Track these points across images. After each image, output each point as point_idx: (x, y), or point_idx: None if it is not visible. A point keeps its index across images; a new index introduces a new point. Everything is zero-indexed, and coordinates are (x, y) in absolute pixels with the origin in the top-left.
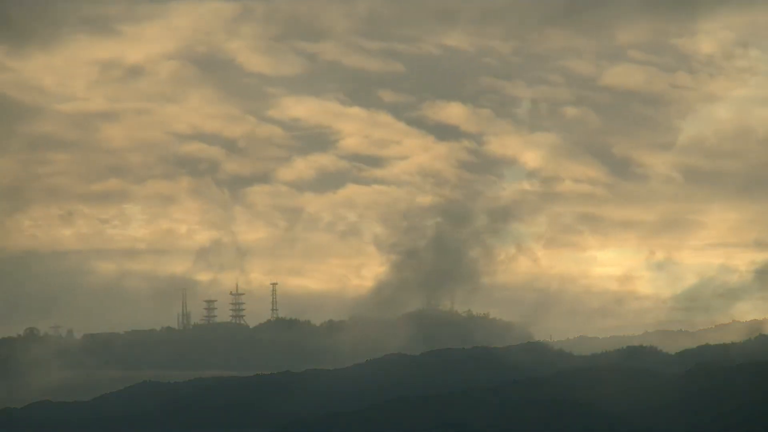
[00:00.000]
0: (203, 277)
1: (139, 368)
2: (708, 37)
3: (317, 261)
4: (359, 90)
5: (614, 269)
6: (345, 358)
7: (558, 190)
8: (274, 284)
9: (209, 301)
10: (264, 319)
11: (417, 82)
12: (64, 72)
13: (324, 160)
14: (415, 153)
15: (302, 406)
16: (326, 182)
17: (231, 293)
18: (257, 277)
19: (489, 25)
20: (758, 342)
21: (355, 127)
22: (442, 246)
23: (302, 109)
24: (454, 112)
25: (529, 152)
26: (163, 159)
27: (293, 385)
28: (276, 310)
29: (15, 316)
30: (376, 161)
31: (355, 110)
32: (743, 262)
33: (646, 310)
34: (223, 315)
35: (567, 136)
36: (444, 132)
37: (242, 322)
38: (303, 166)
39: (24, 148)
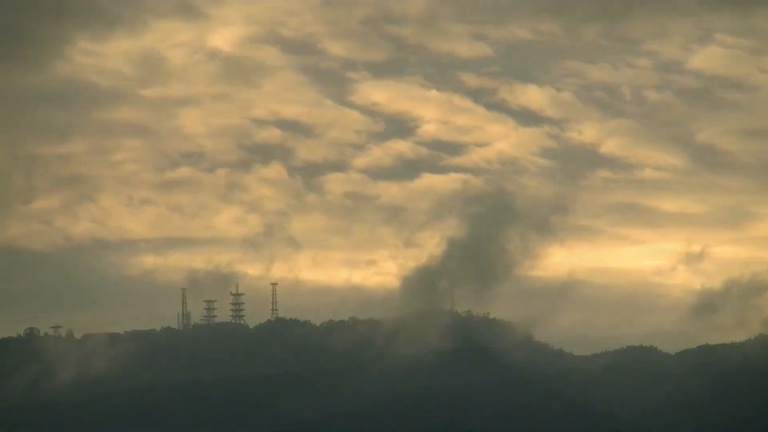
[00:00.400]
0: (252, 269)
1: (139, 368)
2: None
3: (368, 252)
4: (441, 74)
5: (647, 264)
6: (345, 358)
7: (638, 178)
8: (274, 284)
9: (209, 301)
10: (264, 319)
11: (500, 66)
12: (146, 57)
13: (402, 147)
14: (496, 139)
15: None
16: (403, 170)
17: (231, 293)
18: (301, 269)
19: (575, 7)
20: (758, 342)
21: (435, 112)
22: (478, 240)
23: (382, 94)
24: (535, 97)
25: (611, 139)
26: (237, 146)
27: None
28: (276, 310)
29: (67, 306)
30: (455, 148)
31: (436, 95)
32: None
33: (662, 308)
34: (223, 315)
35: (648, 121)
36: (526, 117)
37: (242, 322)
38: (380, 153)
39: (99, 134)
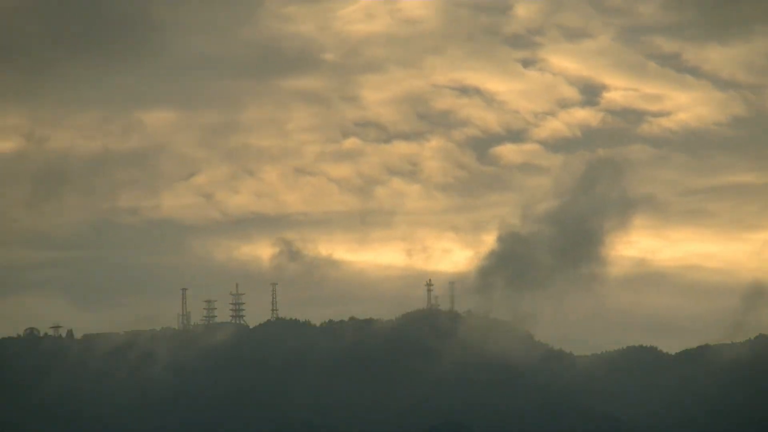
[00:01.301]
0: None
1: (138, 369)
2: None
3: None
4: (631, 39)
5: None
6: (345, 358)
7: None
8: (274, 284)
9: (209, 301)
10: (264, 319)
11: (691, 28)
12: (328, 24)
13: (585, 115)
14: (683, 108)
15: None
16: (582, 141)
17: (231, 293)
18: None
19: None
20: (758, 342)
21: (622, 79)
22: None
23: (570, 60)
24: (729, 60)
25: None
26: (414, 116)
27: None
28: (276, 310)
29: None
30: (640, 116)
31: (625, 59)
32: None
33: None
34: (223, 315)
35: None
36: (719, 84)
37: (242, 322)
38: (559, 124)
39: (277, 102)
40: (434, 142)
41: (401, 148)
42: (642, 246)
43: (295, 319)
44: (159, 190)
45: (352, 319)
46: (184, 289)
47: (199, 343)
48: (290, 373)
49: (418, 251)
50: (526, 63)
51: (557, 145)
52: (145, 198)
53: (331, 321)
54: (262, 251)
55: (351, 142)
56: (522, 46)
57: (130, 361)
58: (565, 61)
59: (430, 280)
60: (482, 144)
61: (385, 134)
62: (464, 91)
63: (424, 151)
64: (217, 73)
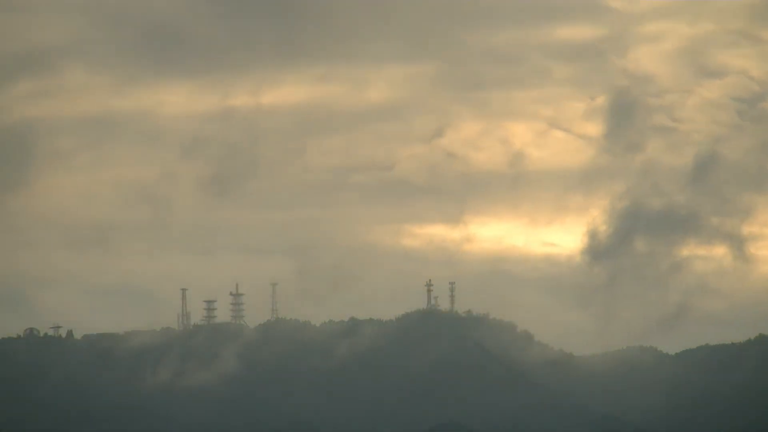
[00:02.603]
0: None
1: (139, 369)
2: None
3: None
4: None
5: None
6: (345, 358)
7: None
8: (274, 284)
9: (209, 301)
10: (264, 319)
11: None
12: None
13: None
14: None
15: None
16: None
17: (231, 293)
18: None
19: None
20: (758, 342)
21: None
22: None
23: None
24: None
25: None
26: None
27: None
28: (276, 310)
29: None
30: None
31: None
32: None
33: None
34: (223, 315)
35: None
36: None
37: (242, 322)
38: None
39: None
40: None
41: None
42: None
43: (295, 319)
44: None
45: (352, 319)
46: (184, 289)
47: (198, 343)
48: (290, 373)
49: None
50: None
51: None
52: None
53: (331, 321)
54: None
55: None
56: None
57: (130, 361)
58: None
59: (430, 280)
60: None
61: None
62: None
63: None
64: None
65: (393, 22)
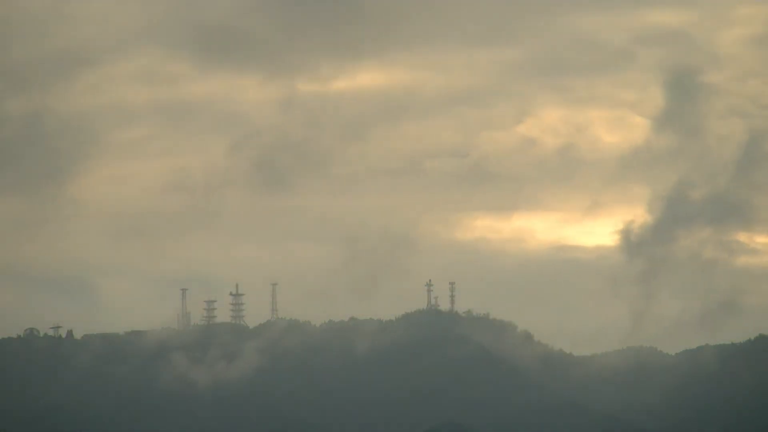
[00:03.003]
0: None
1: (138, 369)
2: None
3: None
4: None
5: None
6: (345, 358)
7: None
8: (274, 284)
9: (209, 301)
10: (264, 319)
11: None
12: None
13: None
14: None
15: None
16: None
17: (231, 293)
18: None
19: None
20: (758, 342)
21: None
22: None
23: None
24: None
25: None
26: None
27: None
28: (276, 310)
29: None
30: None
31: None
32: None
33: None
34: (223, 315)
35: None
36: None
37: (242, 322)
38: None
39: None
40: None
41: None
42: None
43: (295, 319)
44: None
45: (352, 319)
46: (184, 289)
47: (198, 343)
48: (290, 373)
49: None
50: None
51: None
52: None
53: (331, 321)
54: None
55: None
56: None
57: (130, 362)
58: None
59: (430, 280)
60: None
61: None
62: None
63: None
64: None
65: (479, 6)
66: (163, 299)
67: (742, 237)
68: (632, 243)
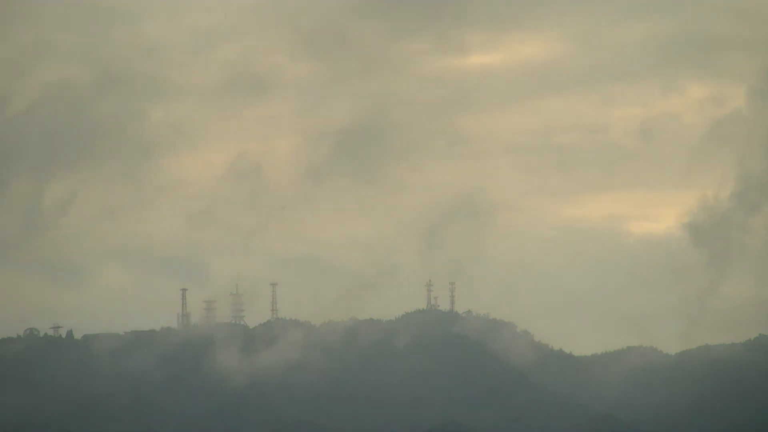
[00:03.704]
0: None
1: (138, 369)
2: None
3: None
4: None
5: None
6: (344, 358)
7: None
8: (274, 284)
9: (209, 302)
10: (264, 319)
11: None
12: None
13: None
14: None
15: None
16: None
17: (231, 293)
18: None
19: None
20: (758, 342)
21: None
22: None
23: None
24: None
25: None
26: None
27: None
28: (276, 310)
29: None
30: None
31: None
32: None
33: None
34: (223, 315)
35: None
36: None
37: (242, 322)
38: None
39: None
40: None
41: None
42: None
43: (295, 319)
44: None
45: (352, 319)
46: (184, 290)
47: (198, 343)
48: (290, 373)
49: None
50: None
51: None
52: None
53: (331, 321)
54: None
55: None
56: None
57: (130, 361)
58: None
59: (430, 280)
60: None
61: None
62: None
63: None
64: None
65: None
66: (163, 299)
67: None
68: None
